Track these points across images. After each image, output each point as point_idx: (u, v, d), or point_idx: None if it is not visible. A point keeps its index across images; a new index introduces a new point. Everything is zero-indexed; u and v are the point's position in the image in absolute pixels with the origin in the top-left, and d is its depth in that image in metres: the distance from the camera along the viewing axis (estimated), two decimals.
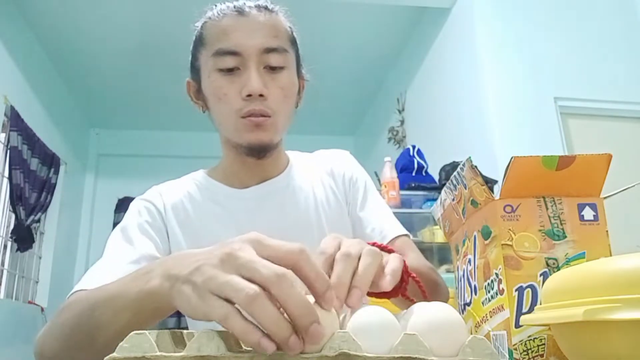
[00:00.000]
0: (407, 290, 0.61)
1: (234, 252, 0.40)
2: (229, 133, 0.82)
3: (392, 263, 0.54)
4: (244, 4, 0.81)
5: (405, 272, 0.60)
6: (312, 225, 0.86)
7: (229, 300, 0.38)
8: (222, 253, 0.41)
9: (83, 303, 0.56)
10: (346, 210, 0.92)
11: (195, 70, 0.85)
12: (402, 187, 2.74)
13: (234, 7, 0.80)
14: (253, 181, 0.87)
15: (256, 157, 0.83)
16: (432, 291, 0.75)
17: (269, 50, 0.78)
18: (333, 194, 0.91)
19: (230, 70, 0.78)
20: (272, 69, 0.79)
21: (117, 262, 0.75)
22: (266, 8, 0.81)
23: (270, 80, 0.79)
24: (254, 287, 0.38)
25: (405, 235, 0.89)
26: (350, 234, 0.90)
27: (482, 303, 0.54)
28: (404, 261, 0.59)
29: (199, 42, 0.83)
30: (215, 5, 0.83)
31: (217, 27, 0.80)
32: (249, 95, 0.77)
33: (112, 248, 0.79)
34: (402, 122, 4.06)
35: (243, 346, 0.47)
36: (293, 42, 0.84)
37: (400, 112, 4.10)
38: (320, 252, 0.50)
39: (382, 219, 0.91)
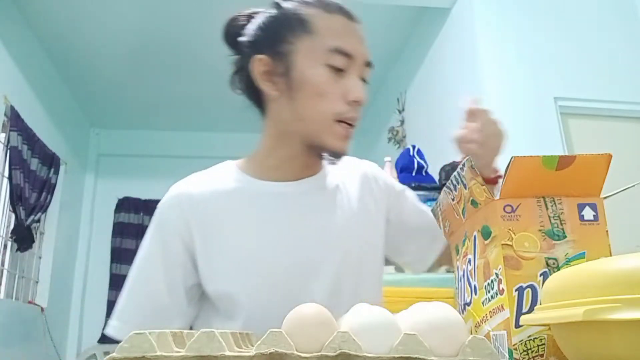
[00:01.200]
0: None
1: None
2: (313, 131, 0.79)
3: None
4: (347, 8, 0.82)
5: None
6: (342, 224, 0.86)
7: None
8: None
9: None
10: (381, 215, 0.92)
11: (278, 51, 0.79)
12: None
13: (341, 7, 0.81)
14: (292, 178, 0.86)
15: (319, 158, 0.85)
16: None
17: (368, 64, 0.81)
18: (370, 196, 0.92)
19: (339, 70, 0.78)
20: (363, 81, 0.81)
21: (149, 296, 0.82)
22: (359, 21, 0.83)
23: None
24: None
25: None
26: (381, 235, 0.91)
27: (482, 303, 0.54)
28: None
29: (300, 26, 0.79)
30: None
31: (332, 23, 0.79)
32: (356, 102, 0.78)
33: (141, 275, 0.83)
34: (402, 122, 4.06)
35: (243, 346, 0.47)
36: None
37: (400, 112, 4.10)
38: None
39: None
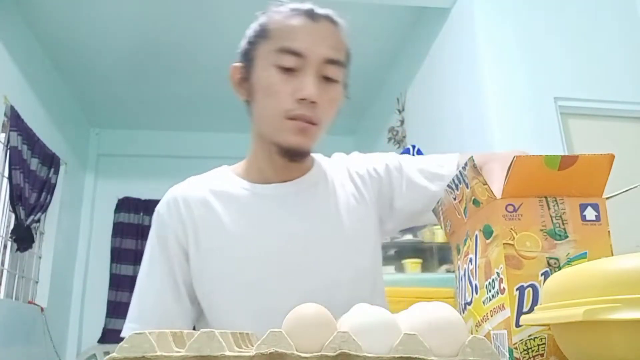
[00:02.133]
0: None
1: None
2: (270, 130, 0.82)
3: None
4: (314, 9, 0.82)
5: None
6: (334, 225, 0.86)
7: None
8: None
9: None
10: (373, 209, 0.91)
11: (248, 58, 0.84)
12: None
13: (305, 10, 0.81)
14: (277, 179, 0.87)
15: (288, 159, 0.83)
16: None
17: (330, 62, 0.80)
18: (359, 194, 0.91)
19: (288, 70, 0.78)
20: (327, 79, 0.80)
21: (155, 296, 0.84)
22: (333, 20, 0.83)
23: (323, 90, 0.80)
24: None
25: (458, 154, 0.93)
26: (376, 232, 0.90)
27: (483, 302, 0.54)
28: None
29: (262, 33, 0.82)
30: (282, 2, 0.83)
31: (286, 25, 0.80)
32: (303, 99, 0.77)
33: (147, 276, 0.85)
34: (402, 122, 4.06)
35: (243, 346, 0.47)
36: (348, 59, 0.86)
37: (400, 112, 4.10)
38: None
39: (429, 160, 0.92)
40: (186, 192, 0.87)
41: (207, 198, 0.86)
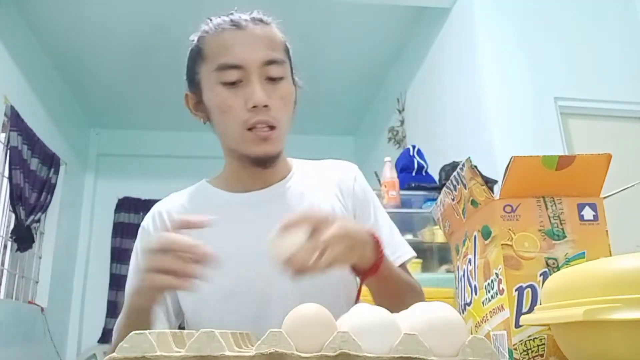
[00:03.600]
0: (377, 271, 0.73)
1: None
2: (235, 144, 0.84)
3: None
4: (240, 17, 0.82)
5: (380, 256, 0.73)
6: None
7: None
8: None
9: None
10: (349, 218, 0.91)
11: (194, 83, 0.86)
12: (402, 187, 2.74)
13: (231, 21, 0.82)
14: (255, 187, 0.89)
15: (262, 167, 0.85)
16: (405, 291, 0.83)
17: (269, 63, 0.81)
18: (338, 201, 0.91)
19: (233, 84, 0.80)
20: (273, 80, 0.81)
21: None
22: (261, 21, 0.83)
23: (272, 91, 0.81)
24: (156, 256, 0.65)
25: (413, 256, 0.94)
26: None
27: (482, 303, 0.54)
28: (381, 249, 0.74)
29: (198, 56, 0.84)
30: (211, 20, 0.84)
31: (217, 42, 0.81)
32: (255, 107, 0.78)
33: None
34: (402, 122, 4.06)
35: (243, 346, 0.47)
36: (287, 51, 0.87)
37: (400, 112, 4.10)
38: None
39: (395, 238, 0.93)
40: (169, 207, 0.91)
41: (188, 211, 0.88)
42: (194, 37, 0.86)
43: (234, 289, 0.82)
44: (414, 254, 0.93)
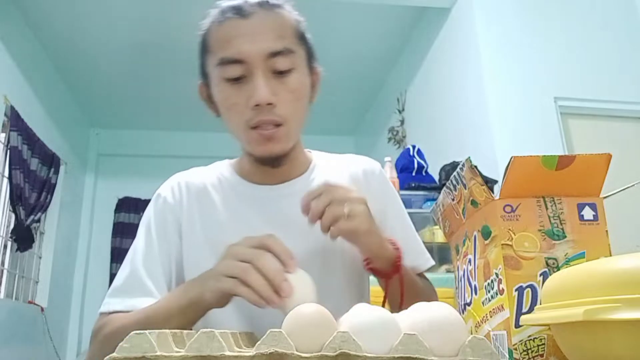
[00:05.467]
0: (396, 273, 0.75)
1: (232, 247, 0.63)
2: (241, 142, 0.80)
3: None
4: (246, 2, 0.75)
5: (398, 260, 0.75)
6: (304, 237, 0.80)
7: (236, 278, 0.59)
8: (225, 252, 0.63)
9: (131, 325, 0.67)
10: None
11: (205, 75, 0.81)
12: (402, 187, 2.74)
13: (234, 7, 0.74)
14: (267, 181, 0.86)
15: (270, 166, 0.81)
16: (416, 293, 0.81)
17: (274, 54, 0.73)
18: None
19: (237, 79, 0.74)
20: (280, 72, 0.74)
21: (141, 278, 0.79)
22: (268, 3, 0.75)
23: (279, 85, 0.74)
24: (245, 264, 0.59)
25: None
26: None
27: (482, 303, 0.54)
28: (400, 252, 0.76)
29: (204, 48, 0.78)
30: (218, 5, 0.78)
31: (219, 34, 0.75)
32: (257, 105, 0.72)
33: (135, 258, 0.80)
34: (402, 122, 4.06)
35: (243, 346, 0.47)
36: (301, 37, 0.79)
37: (400, 112, 4.10)
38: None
39: (414, 244, 0.91)
40: (189, 180, 0.87)
41: (207, 188, 0.86)
42: (203, 25, 0.79)
43: None
44: (433, 262, 0.91)
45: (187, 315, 0.65)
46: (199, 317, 0.66)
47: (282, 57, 0.74)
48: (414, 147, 3.13)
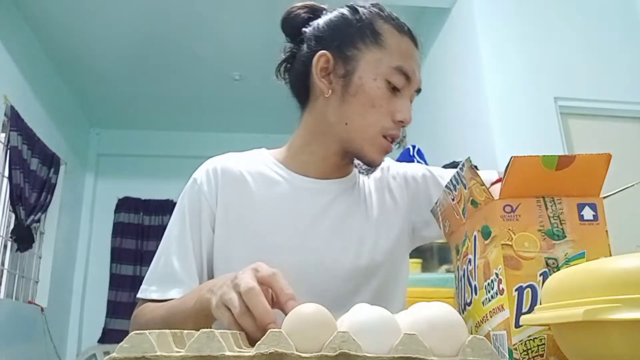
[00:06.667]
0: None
1: (237, 275, 0.60)
2: (357, 139, 0.82)
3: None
4: (414, 34, 0.85)
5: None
6: (362, 231, 0.86)
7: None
8: (232, 276, 0.60)
9: (155, 320, 0.74)
10: (405, 217, 0.91)
11: (345, 54, 0.81)
12: None
13: (410, 31, 0.84)
14: (318, 175, 0.87)
15: (364, 172, 0.85)
16: None
17: (418, 90, 0.84)
18: (393, 201, 0.91)
19: (395, 89, 0.80)
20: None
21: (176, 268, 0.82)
22: (419, 45, 0.86)
23: None
24: (240, 303, 0.56)
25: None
26: (403, 234, 0.90)
27: (482, 303, 0.54)
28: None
29: (374, 38, 0.81)
30: (377, 5, 0.85)
31: (400, 42, 0.82)
32: (401, 122, 0.81)
33: (170, 248, 0.83)
34: None
35: (243, 346, 0.47)
36: None
37: None
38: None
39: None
40: (226, 166, 0.87)
41: (244, 176, 0.86)
42: (366, 13, 0.83)
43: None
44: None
45: (199, 319, 0.66)
46: (212, 321, 0.65)
47: (417, 95, 0.85)
48: (414, 147, 3.13)
